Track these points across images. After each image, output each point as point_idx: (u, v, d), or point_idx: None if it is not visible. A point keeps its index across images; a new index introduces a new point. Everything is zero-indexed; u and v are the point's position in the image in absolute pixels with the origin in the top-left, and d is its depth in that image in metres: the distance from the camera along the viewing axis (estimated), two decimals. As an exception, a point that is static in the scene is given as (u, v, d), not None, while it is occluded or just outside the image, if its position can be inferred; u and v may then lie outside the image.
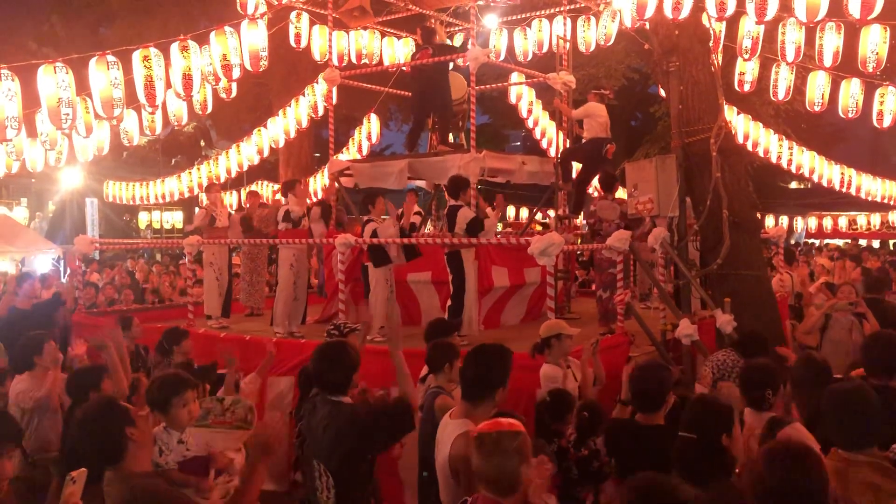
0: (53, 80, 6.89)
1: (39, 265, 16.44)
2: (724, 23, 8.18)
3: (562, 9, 10.08)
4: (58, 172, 18.79)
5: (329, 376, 3.79)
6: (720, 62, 8.35)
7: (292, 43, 9.94)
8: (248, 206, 9.67)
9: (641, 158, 14.00)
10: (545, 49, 10.66)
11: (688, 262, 7.87)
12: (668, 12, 6.45)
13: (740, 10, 7.17)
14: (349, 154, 13.12)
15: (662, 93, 9.88)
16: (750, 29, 8.06)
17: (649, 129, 21.81)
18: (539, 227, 15.07)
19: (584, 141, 8.92)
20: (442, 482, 3.50)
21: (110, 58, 7.09)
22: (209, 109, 9.37)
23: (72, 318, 8.74)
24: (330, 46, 9.86)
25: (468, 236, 6.87)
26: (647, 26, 8.37)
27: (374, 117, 13.22)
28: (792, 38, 7.87)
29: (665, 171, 7.68)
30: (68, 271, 16.31)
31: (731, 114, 10.81)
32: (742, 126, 12.44)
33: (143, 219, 27.38)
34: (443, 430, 3.55)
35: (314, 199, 12.00)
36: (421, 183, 11.43)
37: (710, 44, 8.27)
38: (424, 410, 4.25)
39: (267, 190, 17.40)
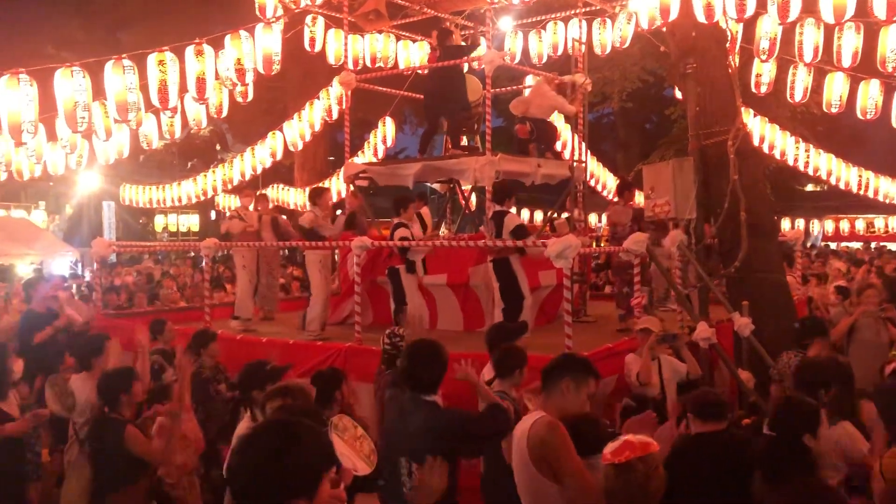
0: (70, 84, 6.92)
1: (57, 268, 16.58)
2: (742, 24, 8.12)
3: (577, 11, 10.06)
4: (75, 176, 18.94)
5: (420, 374, 3.77)
6: (737, 64, 8.29)
7: (307, 47, 9.94)
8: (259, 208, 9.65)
9: (657, 161, 13.93)
10: (560, 51, 10.62)
11: (706, 266, 7.81)
12: (699, 17, 6.41)
13: (758, 11, 7.11)
14: (364, 157, 13.13)
15: (679, 95, 9.84)
16: (768, 30, 7.99)
17: (665, 132, 21.73)
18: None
19: None
20: (521, 475, 3.39)
21: (126, 62, 7.12)
22: (224, 113, 9.41)
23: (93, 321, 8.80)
24: (345, 50, 9.89)
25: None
26: (664, 28, 8.33)
27: (388, 120, 13.23)
28: (810, 38, 7.78)
29: (682, 173, 7.63)
30: (86, 273, 16.48)
31: (747, 116, 10.73)
32: (758, 128, 12.34)
33: (159, 222, 27.55)
34: (519, 425, 3.49)
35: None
36: (435, 186, 11.48)
37: (728, 45, 8.22)
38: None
39: (285, 194, 17.47)
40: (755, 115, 12.06)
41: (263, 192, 13.37)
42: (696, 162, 7.89)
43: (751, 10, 6.59)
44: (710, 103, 8.01)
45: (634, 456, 2.74)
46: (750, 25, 8.20)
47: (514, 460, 3.38)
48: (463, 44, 10.29)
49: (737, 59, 8.32)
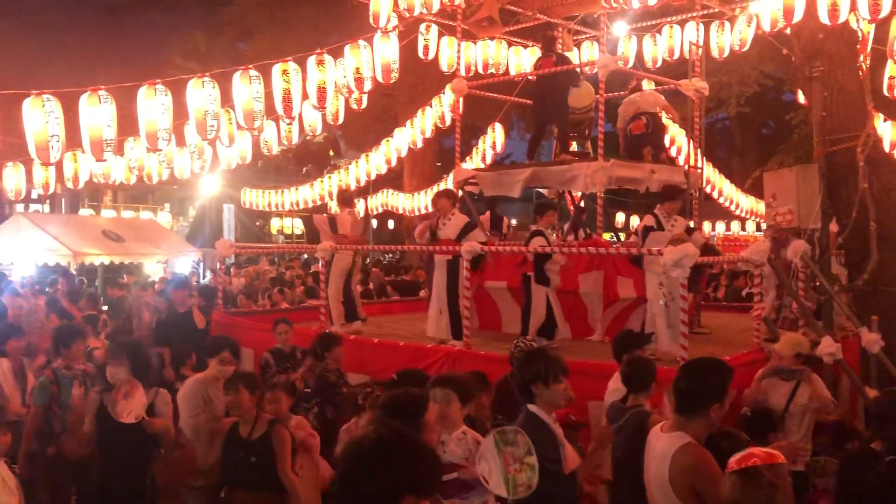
0: (201, 93, 7.31)
1: (181, 267, 17.50)
2: (874, 24, 7.71)
3: (694, 14, 9.80)
4: (198, 180, 19.95)
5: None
6: (868, 66, 7.88)
7: (421, 55, 10.11)
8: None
9: (776, 168, 13.39)
10: (676, 55, 10.37)
11: (831, 277, 7.45)
12: (823, 18, 6.12)
13: (893, 10, 6.73)
14: (472, 163, 13.24)
15: (802, 99, 9.41)
16: (903, 29, 7.55)
17: (783, 138, 20.83)
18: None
19: None
20: (658, 497, 3.31)
21: (252, 72, 7.45)
22: (341, 120, 9.68)
23: (212, 318, 9.24)
24: (458, 57, 9.99)
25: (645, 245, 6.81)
26: (788, 30, 8.01)
27: (498, 126, 13.30)
28: (951, 38, 7.29)
29: (806, 181, 7.31)
30: (208, 273, 17.32)
31: (878, 121, 10.16)
32: (889, 134, 11.63)
33: (274, 224, 28.70)
34: (654, 442, 3.39)
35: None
36: (543, 191, 11.43)
37: (858, 47, 7.82)
38: (631, 431, 4.11)
39: (394, 198, 17.83)
40: (886, 120, 11.39)
41: (343, 190, 13.10)
42: (821, 169, 7.55)
43: (886, 9, 6.25)
44: (838, 108, 7.64)
45: (762, 463, 2.67)
46: (882, 25, 7.75)
47: (652, 479, 3.31)
48: (575, 50, 10.24)
49: (868, 62, 7.90)
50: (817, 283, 7.19)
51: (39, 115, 6.61)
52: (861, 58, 7.82)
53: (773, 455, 2.76)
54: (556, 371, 3.61)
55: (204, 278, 17.12)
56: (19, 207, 20.45)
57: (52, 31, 22.91)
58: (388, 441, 2.12)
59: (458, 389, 3.87)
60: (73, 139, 7.19)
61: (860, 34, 7.82)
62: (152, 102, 7.05)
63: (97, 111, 6.81)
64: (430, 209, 8.72)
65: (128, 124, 7.63)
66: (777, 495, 2.68)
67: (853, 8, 6.31)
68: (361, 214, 16.85)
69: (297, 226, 28.96)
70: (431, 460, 2.21)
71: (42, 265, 14.51)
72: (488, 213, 10.08)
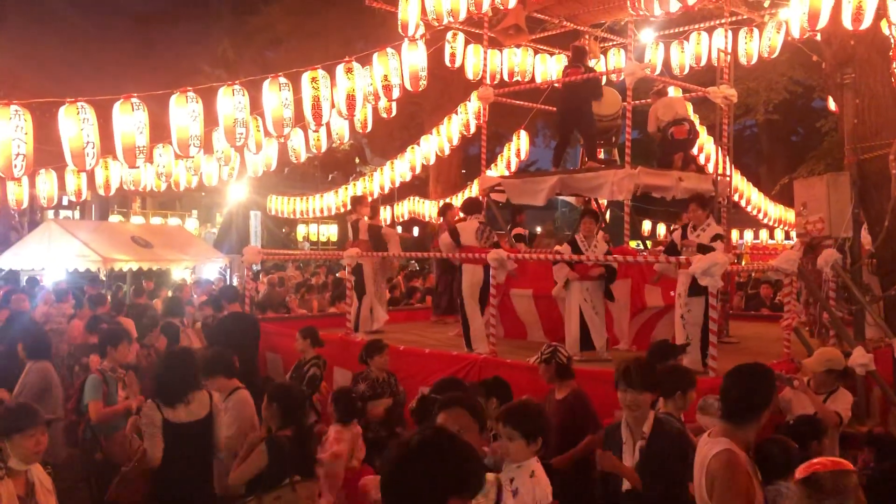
0: (231, 100, 7.40)
1: (208, 273, 17.64)
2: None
3: (723, 21, 9.74)
4: (226, 187, 20.13)
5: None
6: (901, 73, 7.78)
7: (447, 63, 10.14)
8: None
9: (805, 175, 13.25)
10: (703, 62, 10.32)
11: (862, 287, 7.34)
12: (846, 23, 6.05)
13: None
14: (497, 170, 13.25)
15: (833, 106, 9.31)
16: (936, 36, 7.47)
17: (812, 145, 20.60)
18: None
19: None
20: (702, 500, 3.28)
21: (282, 79, 7.53)
22: (369, 128, 9.73)
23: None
24: (484, 65, 10.02)
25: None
26: (818, 37, 7.93)
27: (523, 134, 13.30)
28: None
29: (837, 189, 7.22)
30: (235, 279, 17.45)
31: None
32: (922, 142, 11.47)
33: (300, 231, 28.88)
34: (701, 447, 3.35)
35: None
36: (570, 199, 11.40)
37: (890, 53, 7.72)
38: (651, 437, 4.06)
39: (420, 206, 17.88)
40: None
41: (357, 195, 12.75)
42: (852, 177, 7.44)
43: (916, 15, 6.16)
44: (870, 115, 7.53)
45: (824, 470, 2.65)
46: (916, 32, 7.68)
47: (697, 482, 3.30)
48: (602, 57, 10.20)
49: (901, 68, 7.80)
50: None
51: (74, 123, 6.73)
52: (894, 65, 7.72)
53: (839, 463, 2.73)
54: (616, 378, 3.88)
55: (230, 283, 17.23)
56: (50, 214, 20.76)
57: (83, 41, 23.32)
58: (433, 443, 2.08)
59: (524, 429, 3.47)
60: (104, 147, 7.29)
61: (892, 41, 7.72)
62: (183, 110, 7.15)
63: (130, 118, 6.92)
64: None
65: (158, 132, 7.73)
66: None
67: (881, 14, 6.21)
68: (388, 221, 16.95)
69: (323, 232, 29.14)
70: (476, 462, 2.17)
71: (72, 271, 14.69)
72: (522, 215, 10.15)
